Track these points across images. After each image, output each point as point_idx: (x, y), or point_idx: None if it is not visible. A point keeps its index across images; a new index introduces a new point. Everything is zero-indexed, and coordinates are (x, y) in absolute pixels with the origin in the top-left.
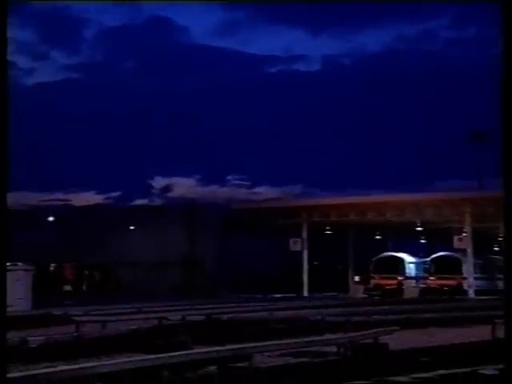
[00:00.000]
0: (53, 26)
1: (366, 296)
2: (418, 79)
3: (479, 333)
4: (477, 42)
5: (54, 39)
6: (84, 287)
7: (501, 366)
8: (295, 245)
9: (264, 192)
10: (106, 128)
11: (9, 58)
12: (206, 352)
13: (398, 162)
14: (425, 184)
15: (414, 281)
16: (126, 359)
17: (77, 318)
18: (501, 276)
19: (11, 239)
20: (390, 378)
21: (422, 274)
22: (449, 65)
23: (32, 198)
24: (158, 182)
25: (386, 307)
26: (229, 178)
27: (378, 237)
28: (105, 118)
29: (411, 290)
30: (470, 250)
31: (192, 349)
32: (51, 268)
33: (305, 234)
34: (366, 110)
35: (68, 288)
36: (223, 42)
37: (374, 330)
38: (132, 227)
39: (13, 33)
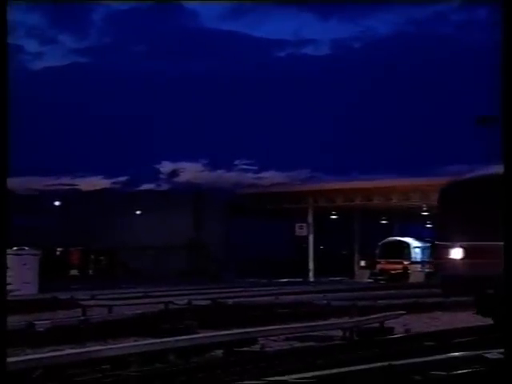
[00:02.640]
0: (61, 10)
1: (371, 281)
2: (428, 63)
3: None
4: (487, 24)
5: (62, 23)
6: (90, 272)
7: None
8: (301, 229)
9: (271, 177)
10: (114, 112)
11: (17, 42)
12: (212, 336)
13: (405, 147)
14: (432, 168)
15: (419, 265)
16: (132, 343)
17: (83, 303)
18: None
19: (16, 224)
20: (394, 362)
21: (428, 259)
22: (459, 47)
23: (39, 183)
24: (165, 167)
25: (391, 291)
26: (236, 162)
27: (384, 221)
28: (112, 103)
29: (417, 274)
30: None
31: (198, 333)
32: (58, 252)
33: (311, 219)
34: (374, 95)
35: (74, 272)
36: (231, 26)
37: (381, 315)
38: (138, 212)
39: (21, 17)
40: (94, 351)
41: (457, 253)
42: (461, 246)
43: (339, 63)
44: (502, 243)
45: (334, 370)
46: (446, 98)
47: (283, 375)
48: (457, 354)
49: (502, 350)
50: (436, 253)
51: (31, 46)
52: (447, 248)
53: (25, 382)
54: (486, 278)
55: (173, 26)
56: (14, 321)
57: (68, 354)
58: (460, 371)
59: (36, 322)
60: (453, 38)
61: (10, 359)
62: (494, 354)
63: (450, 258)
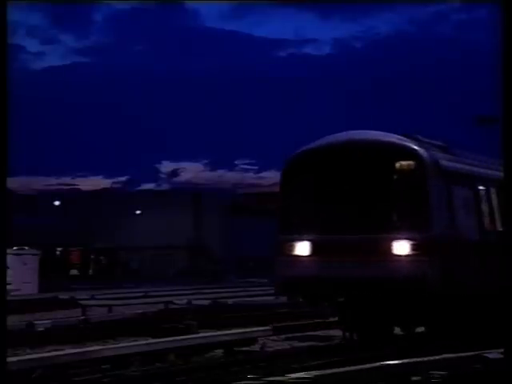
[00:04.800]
0: (62, 10)
1: None
2: (428, 62)
3: None
4: (488, 23)
5: (63, 23)
6: (90, 271)
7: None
8: None
9: (271, 177)
10: (114, 112)
11: (18, 42)
12: (212, 336)
13: None
14: None
15: None
16: (132, 343)
17: (83, 302)
18: None
19: (16, 224)
20: (394, 362)
21: None
22: (459, 47)
23: (39, 183)
24: (166, 167)
25: None
26: (236, 162)
27: None
28: (113, 102)
29: None
30: None
31: (198, 333)
32: (58, 252)
33: None
34: (374, 94)
35: (75, 272)
36: (233, 26)
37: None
38: (139, 212)
39: (21, 17)
40: (94, 351)
41: (303, 248)
42: (308, 240)
43: (340, 62)
44: (366, 236)
45: (334, 370)
46: (446, 98)
47: (283, 375)
48: (457, 354)
49: (501, 350)
50: (276, 248)
51: (32, 45)
52: (290, 242)
53: (25, 381)
54: (342, 281)
55: (174, 26)
56: (14, 321)
57: (68, 354)
58: (460, 371)
59: (36, 322)
60: (453, 38)
61: (9, 359)
62: (494, 354)
63: (294, 255)
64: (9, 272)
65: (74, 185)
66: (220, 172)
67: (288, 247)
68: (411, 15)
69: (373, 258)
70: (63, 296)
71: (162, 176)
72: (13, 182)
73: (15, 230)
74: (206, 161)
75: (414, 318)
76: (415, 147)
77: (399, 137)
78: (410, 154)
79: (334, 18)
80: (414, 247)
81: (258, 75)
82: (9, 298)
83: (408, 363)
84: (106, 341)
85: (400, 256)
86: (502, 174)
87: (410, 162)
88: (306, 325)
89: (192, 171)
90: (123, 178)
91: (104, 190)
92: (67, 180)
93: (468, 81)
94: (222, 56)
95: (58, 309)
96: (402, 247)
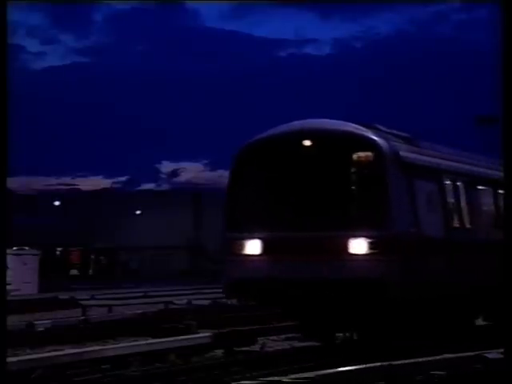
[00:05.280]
0: (62, 10)
1: None
2: (429, 62)
3: None
4: (488, 23)
5: (63, 23)
6: (90, 271)
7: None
8: None
9: None
10: (114, 112)
11: (18, 42)
12: (212, 336)
13: None
14: None
15: None
16: (133, 343)
17: (83, 302)
18: None
19: (16, 224)
20: (394, 362)
21: None
22: (460, 47)
23: (39, 183)
24: (166, 167)
25: None
26: None
27: None
28: (113, 102)
29: None
30: None
31: (198, 333)
32: (58, 252)
33: None
34: (375, 94)
35: (75, 272)
36: (233, 26)
37: None
38: (139, 212)
39: (22, 17)
40: (94, 351)
41: (253, 247)
42: (259, 238)
43: (340, 62)
44: (321, 233)
45: (334, 370)
46: (446, 98)
47: (283, 375)
48: (457, 354)
49: (502, 350)
50: (224, 247)
51: (32, 45)
52: (239, 240)
53: (25, 381)
54: (295, 283)
55: (174, 26)
56: (14, 321)
57: (68, 354)
58: (460, 371)
59: (36, 322)
60: (453, 38)
61: (9, 359)
62: (494, 353)
63: (244, 255)
64: (9, 272)
65: (74, 185)
66: (220, 172)
67: (237, 246)
68: (411, 15)
69: (328, 257)
70: (63, 296)
71: (162, 176)
72: (13, 182)
73: (15, 230)
74: (206, 161)
75: (373, 323)
76: (373, 137)
77: (357, 126)
78: (367, 144)
79: (334, 18)
80: (372, 246)
81: (259, 75)
82: (9, 298)
83: (408, 363)
84: (106, 341)
85: (357, 255)
86: (475, 169)
87: (368, 153)
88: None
89: (192, 171)
90: (123, 178)
91: (104, 189)
92: (67, 180)
93: (468, 81)
94: (222, 56)
95: (58, 309)
96: (359, 246)
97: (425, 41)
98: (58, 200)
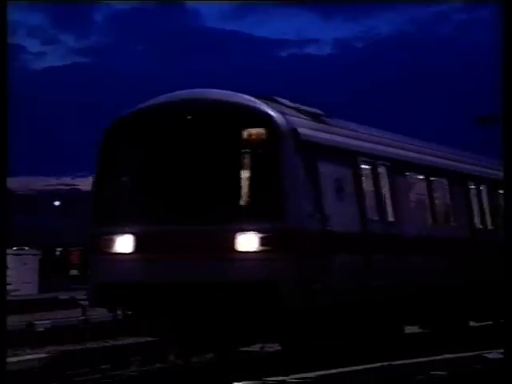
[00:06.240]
0: (62, 10)
1: None
2: (429, 62)
3: None
4: (489, 23)
5: (64, 23)
6: None
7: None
8: None
9: None
10: (115, 112)
11: (18, 42)
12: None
13: None
14: None
15: None
16: (132, 342)
17: (83, 302)
18: None
19: (16, 224)
20: (394, 362)
21: None
22: (460, 47)
23: (40, 183)
24: None
25: None
26: None
27: None
28: (113, 102)
29: None
30: None
31: None
32: (58, 252)
33: None
34: (375, 94)
35: (74, 272)
36: (234, 26)
37: None
38: None
39: (22, 17)
40: (94, 351)
41: (123, 244)
42: (130, 233)
43: (342, 62)
44: (203, 227)
45: (334, 370)
46: (446, 98)
47: (283, 375)
48: (457, 354)
49: (502, 350)
50: (90, 244)
51: (32, 45)
52: (107, 236)
53: (25, 381)
54: (172, 288)
55: (175, 26)
56: (14, 321)
57: (68, 354)
58: (460, 371)
59: (36, 322)
60: (454, 38)
61: (9, 359)
62: (494, 353)
63: (112, 253)
64: (9, 272)
65: (74, 185)
66: None
67: (104, 243)
68: (412, 15)
69: (211, 255)
70: (63, 296)
71: None
72: (13, 182)
73: (15, 230)
74: None
75: (266, 335)
76: (266, 110)
77: (250, 98)
78: (258, 118)
79: (336, 18)
80: (264, 242)
81: (259, 75)
82: (9, 298)
83: (408, 363)
84: (106, 341)
85: (246, 253)
86: (408, 154)
87: (260, 130)
88: None
89: None
90: None
91: None
92: (67, 180)
93: (468, 81)
94: (223, 56)
95: (58, 309)
96: (248, 242)
97: (425, 41)
98: (57, 200)
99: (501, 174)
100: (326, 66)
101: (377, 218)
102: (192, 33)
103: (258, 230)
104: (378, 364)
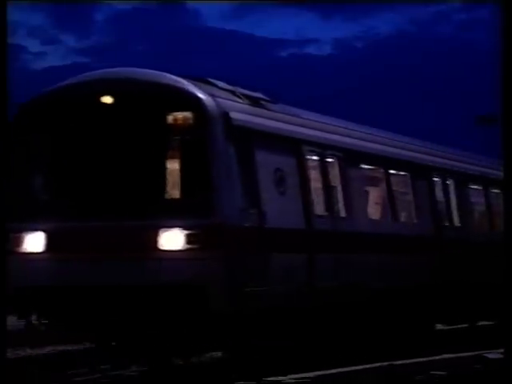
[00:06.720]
0: (63, 10)
1: None
2: (429, 62)
3: None
4: (488, 23)
5: (64, 23)
6: None
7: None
8: None
9: None
10: None
11: (18, 42)
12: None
13: None
14: None
15: None
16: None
17: None
18: None
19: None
20: (394, 362)
21: None
22: (460, 47)
23: None
24: None
25: None
26: None
27: None
28: None
29: None
30: None
31: None
32: None
33: None
34: (375, 94)
35: None
36: (234, 25)
37: None
38: None
39: (23, 17)
40: (94, 351)
41: (34, 242)
42: (41, 230)
43: (341, 62)
44: (122, 222)
45: (334, 370)
46: (446, 98)
47: (283, 375)
48: (457, 354)
49: (502, 350)
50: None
51: (33, 45)
52: (18, 233)
53: (25, 381)
54: (87, 292)
55: (175, 26)
56: (14, 321)
57: (68, 354)
58: (460, 371)
59: (36, 322)
60: (453, 38)
61: (9, 359)
62: (494, 353)
63: (22, 253)
64: None
65: None
66: None
67: (14, 241)
68: (412, 15)
69: (131, 254)
70: None
71: None
72: None
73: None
74: None
75: (197, 344)
76: (194, 91)
77: (178, 78)
78: (186, 101)
79: (335, 18)
80: (190, 240)
81: (259, 75)
82: None
83: (408, 363)
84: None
85: (170, 252)
86: (361, 143)
87: (186, 114)
88: None
89: None
90: None
91: None
92: None
93: (468, 81)
94: (223, 56)
95: None
96: (172, 239)
97: (425, 41)
98: None
99: (469, 167)
100: (326, 65)
101: (325, 214)
102: (192, 33)
103: (184, 227)
104: (378, 364)
